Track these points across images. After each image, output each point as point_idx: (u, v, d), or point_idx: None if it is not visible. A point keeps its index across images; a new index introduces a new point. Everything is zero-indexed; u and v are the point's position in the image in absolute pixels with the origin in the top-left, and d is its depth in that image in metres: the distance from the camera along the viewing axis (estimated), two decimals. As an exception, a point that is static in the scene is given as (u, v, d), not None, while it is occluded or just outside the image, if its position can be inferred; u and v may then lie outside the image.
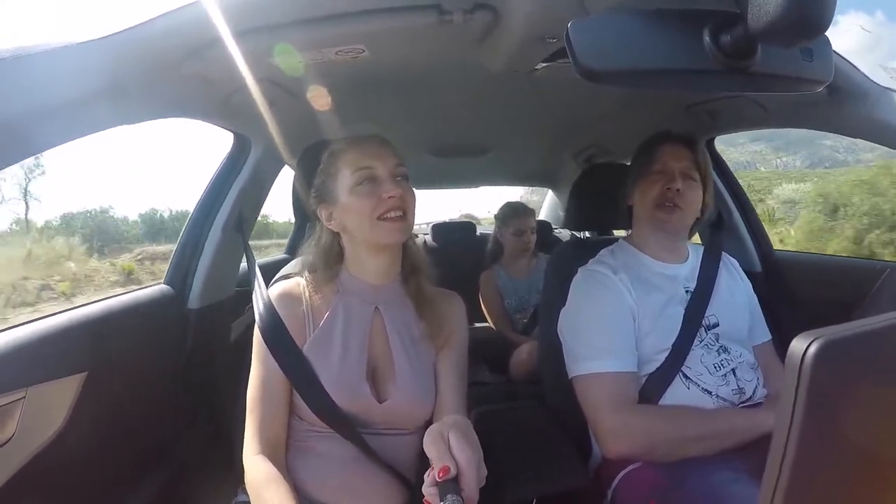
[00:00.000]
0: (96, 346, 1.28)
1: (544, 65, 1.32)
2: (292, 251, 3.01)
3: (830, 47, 0.82)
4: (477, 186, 4.10)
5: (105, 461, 1.32)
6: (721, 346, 1.37)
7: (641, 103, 1.86)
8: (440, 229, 3.83)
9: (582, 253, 1.57)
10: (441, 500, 0.73)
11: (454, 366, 1.23)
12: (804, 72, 0.78)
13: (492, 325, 2.89)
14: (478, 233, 3.82)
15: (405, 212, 1.13)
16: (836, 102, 1.22)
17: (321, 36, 1.07)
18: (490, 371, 2.64)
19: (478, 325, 3.03)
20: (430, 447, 0.80)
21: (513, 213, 2.91)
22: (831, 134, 1.44)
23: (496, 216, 3.03)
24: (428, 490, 0.77)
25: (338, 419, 1.10)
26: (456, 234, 3.75)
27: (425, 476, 0.78)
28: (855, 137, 1.24)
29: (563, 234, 3.72)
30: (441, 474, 0.75)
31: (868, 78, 1.16)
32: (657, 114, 1.88)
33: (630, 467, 1.30)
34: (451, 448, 0.79)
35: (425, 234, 3.85)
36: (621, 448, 1.28)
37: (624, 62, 0.72)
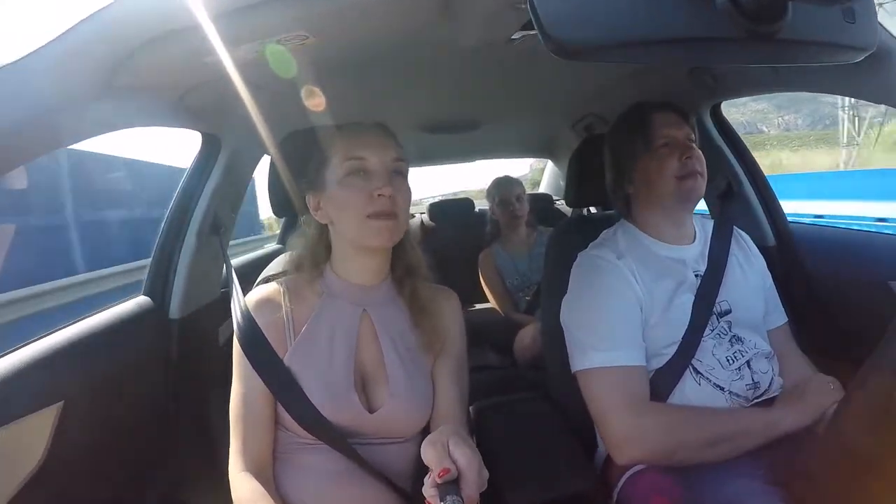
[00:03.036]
0: (71, 372, 1.21)
1: (521, 34, 1.20)
2: (284, 240, 2.93)
3: (874, 6, 0.67)
4: (472, 161, 3.98)
5: (90, 491, 1.26)
6: (734, 336, 1.27)
7: (638, 68, 1.73)
8: (437, 208, 3.72)
9: (585, 231, 1.47)
10: (441, 501, 0.72)
11: (453, 374, 1.16)
12: (844, 37, 0.63)
13: (494, 305, 2.82)
14: (476, 209, 3.72)
15: (396, 212, 1.04)
16: (858, 66, 1.09)
17: (253, 26, 0.96)
18: (495, 353, 2.58)
19: (479, 306, 2.96)
20: (429, 450, 0.77)
21: (496, 185, 2.88)
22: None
23: (486, 195, 3.01)
24: (428, 491, 0.75)
25: (325, 431, 1.04)
26: (454, 212, 3.65)
27: (426, 479, 0.76)
28: (877, 103, 1.11)
29: (565, 205, 3.61)
30: (441, 474, 0.74)
31: (892, 36, 1.03)
32: (656, 78, 1.75)
33: (637, 467, 1.22)
34: (451, 451, 0.77)
35: (422, 213, 3.76)
36: (635, 454, 1.17)
37: (610, 33, 0.57)
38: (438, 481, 0.74)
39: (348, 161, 1.05)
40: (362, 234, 1.05)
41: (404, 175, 1.09)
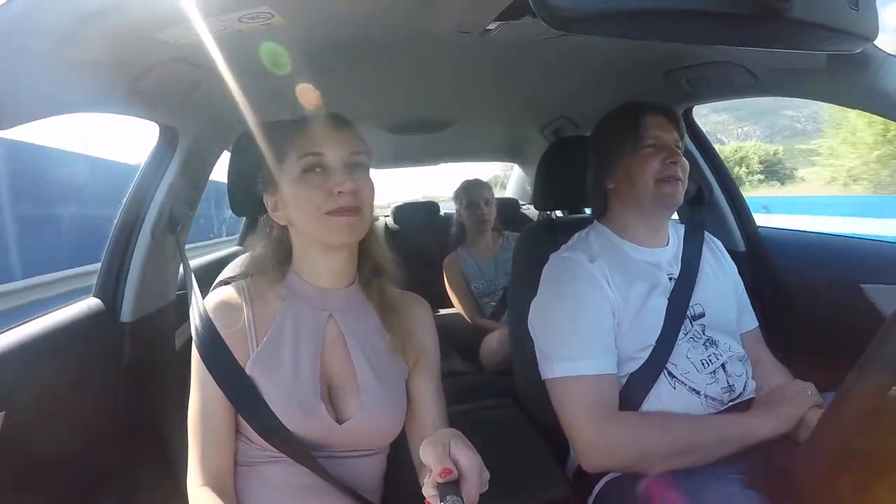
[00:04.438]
0: (13, 380, 1.12)
1: (499, 24, 1.15)
2: (245, 241, 2.83)
3: None
4: (438, 164, 3.94)
5: None
6: (708, 339, 1.27)
7: (612, 69, 1.71)
8: (402, 211, 3.67)
9: (553, 234, 1.45)
10: (441, 501, 0.71)
11: (433, 390, 1.11)
12: (848, 23, 0.61)
13: (459, 311, 2.78)
14: (441, 212, 3.68)
15: (360, 207, 0.98)
16: (835, 70, 1.09)
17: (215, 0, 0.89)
18: (461, 359, 2.54)
19: (444, 311, 2.91)
20: (429, 450, 0.75)
21: (464, 188, 2.85)
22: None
23: (453, 197, 2.97)
24: (428, 491, 0.74)
25: (288, 444, 0.97)
26: (419, 215, 3.61)
27: (426, 479, 0.75)
28: (854, 108, 1.12)
29: (532, 210, 3.60)
30: (442, 475, 0.72)
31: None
32: (630, 81, 1.74)
33: (612, 474, 1.21)
34: (452, 452, 0.75)
35: (386, 216, 3.69)
36: (601, 462, 1.17)
37: (605, 1, 0.53)
38: (439, 481, 0.72)
39: (304, 158, 0.99)
40: (323, 231, 1.00)
41: (365, 167, 1.03)
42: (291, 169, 1.00)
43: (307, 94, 1.28)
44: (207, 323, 1.01)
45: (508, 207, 3.35)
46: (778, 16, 0.54)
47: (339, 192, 0.96)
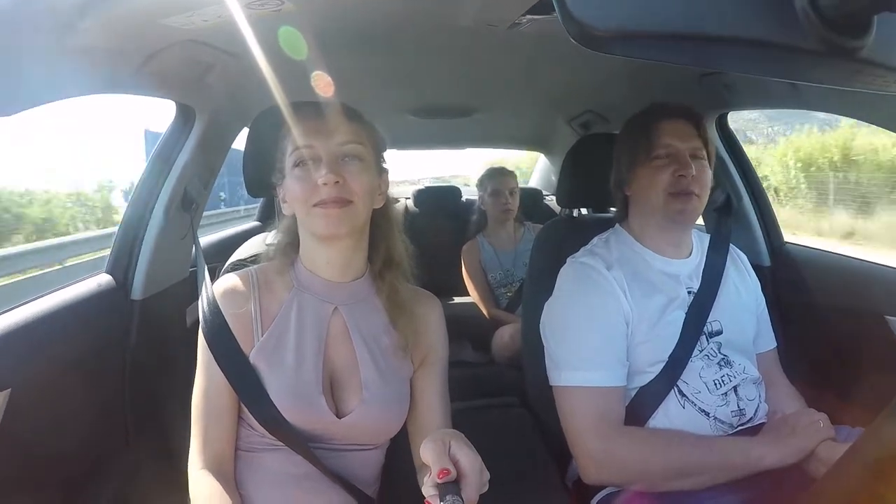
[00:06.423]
0: (20, 357, 1.13)
1: (528, 18, 1.10)
2: (263, 217, 2.83)
3: None
4: (461, 148, 3.88)
5: (37, 485, 1.19)
6: (723, 358, 1.22)
7: (643, 68, 1.63)
8: (423, 194, 3.63)
9: (574, 233, 1.41)
10: (441, 501, 0.71)
11: (439, 390, 1.10)
12: None
13: (475, 299, 2.74)
14: (463, 198, 3.62)
15: (349, 199, 0.96)
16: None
17: None
18: (473, 349, 2.53)
19: (459, 299, 2.89)
20: (429, 448, 0.75)
21: (489, 175, 2.79)
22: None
23: (477, 184, 2.92)
24: (428, 491, 0.74)
25: (287, 434, 0.98)
26: (440, 199, 3.56)
27: (425, 478, 0.75)
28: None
29: (555, 201, 3.54)
30: (441, 475, 0.72)
31: None
32: (664, 82, 1.67)
33: (611, 488, 1.19)
34: (452, 452, 0.75)
35: (407, 198, 3.65)
36: (601, 475, 1.15)
37: (649, 22, 0.43)
38: (439, 481, 0.72)
39: (296, 151, 0.99)
40: (311, 223, 1.00)
41: (359, 158, 1.00)
42: (289, 160, 1.00)
43: (321, 81, 1.26)
44: (215, 308, 1.01)
45: (531, 198, 3.28)
46: (849, 55, 0.45)
47: (323, 185, 0.95)
